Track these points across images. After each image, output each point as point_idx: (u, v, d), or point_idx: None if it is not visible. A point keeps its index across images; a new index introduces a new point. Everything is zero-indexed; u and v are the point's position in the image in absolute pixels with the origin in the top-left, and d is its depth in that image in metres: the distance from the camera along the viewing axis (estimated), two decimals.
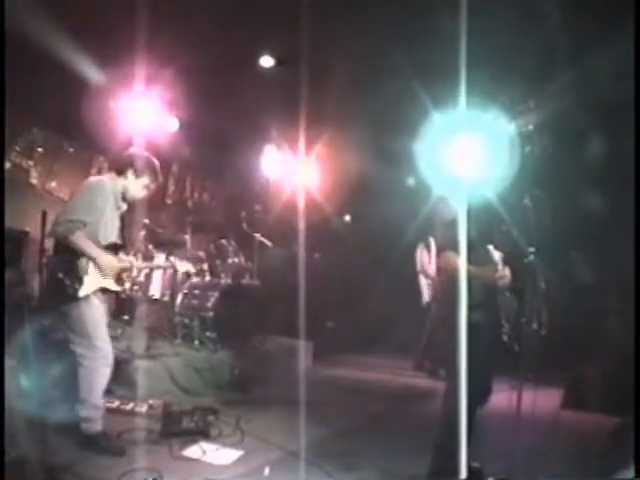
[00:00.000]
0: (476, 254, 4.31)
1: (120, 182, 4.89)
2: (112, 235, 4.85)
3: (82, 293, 4.61)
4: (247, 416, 5.81)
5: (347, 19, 7.04)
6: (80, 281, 4.60)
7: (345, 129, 9.10)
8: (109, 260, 4.75)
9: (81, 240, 4.59)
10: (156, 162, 5.06)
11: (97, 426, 4.71)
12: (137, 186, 4.94)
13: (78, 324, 4.65)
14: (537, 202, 4.40)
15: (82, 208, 4.64)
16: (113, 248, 4.84)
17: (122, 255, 4.95)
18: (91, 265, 4.64)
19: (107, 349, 4.76)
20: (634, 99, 4.95)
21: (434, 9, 6.48)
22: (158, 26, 6.32)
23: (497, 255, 4.39)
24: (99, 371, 4.71)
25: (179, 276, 8.17)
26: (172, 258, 7.44)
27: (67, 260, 4.60)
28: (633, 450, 3.78)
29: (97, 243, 4.69)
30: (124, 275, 5.01)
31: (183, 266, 5.69)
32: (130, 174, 4.89)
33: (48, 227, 6.03)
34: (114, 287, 4.89)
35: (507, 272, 4.38)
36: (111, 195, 4.81)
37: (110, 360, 4.79)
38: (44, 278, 4.78)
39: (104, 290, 4.81)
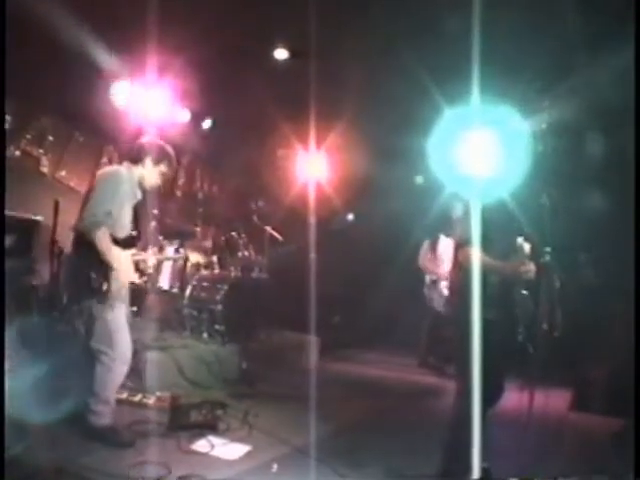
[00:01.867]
0: (499, 248, 4.27)
1: (136, 171, 4.89)
2: (128, 227, 4.82)
3: (109, 292, 4.61)
4: (255, 410, 5.81)
5: (361, 14, 6.99)
6: (106, 277, 4.58)
7: (357, 124, 9.06)
8: (128, 272, 4.76)
9: (104, 241, 4.55)
10: (171, 149, 5.06)
11: (106, 420, 4.72)
12: (154, 174, 4.95)
13: (101, 321, 4.64)
14: (554, 202, 4.37)
15: (105, 199, 4.61)
16: (130, 241, 4.83)
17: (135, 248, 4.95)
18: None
19: (128, 348, 4.78)
20: (634, 100, 4.92)
21: (448, 5, 6.44)
22: (171, 15, 6.28)
23: (527, 247, 4.33)
24: (117, 370, 4.72)
25: (188, 268, 8.17)
26: (182, 250, 7.47)
27: (94, 255, 4.55)
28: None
29: (115, 236, 4.66)
30: (141, 266, 5.02)
31: (194, 256, 5.69)
32: (148, 162, 4.90)
33: (60, 216, 6.03)
34: (137, 280, 4.92)
35: (532, 267, 4.33)
36: (128, 184, 4.79)
37: (128, 359, 4.80)
38: (68, 271, 4.73)
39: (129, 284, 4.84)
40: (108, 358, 4.64)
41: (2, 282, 4.17)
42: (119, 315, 4.74)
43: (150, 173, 4.93)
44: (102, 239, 4.53)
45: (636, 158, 5.22)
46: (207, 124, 9.27)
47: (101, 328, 4.64)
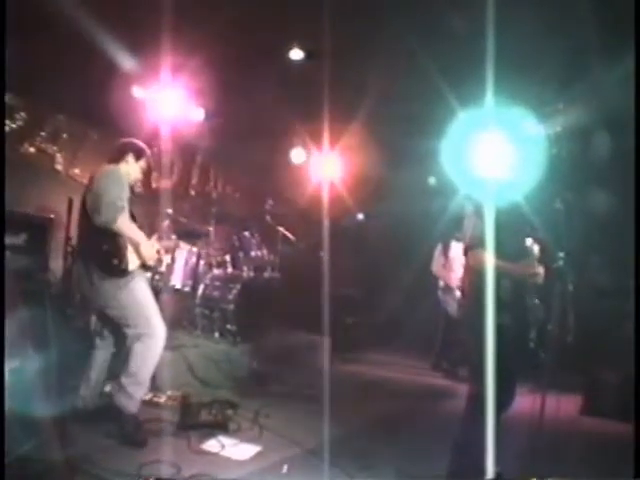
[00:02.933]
0: (510, 250, 4.26)
1: (123, 167, 5.05)
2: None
3: (131, 267, 4.78)
4: (265, 411, 5.80)
5: (376, 15, 6.99)
6: (125, 257, 4.75)
7: (371, 125, 9.05)
8: (150, 246, 4.97)
9: (126, 225, 4.76)
10: (144, 146, 5.24)
11: (133, 407, 4.79)
12: (136, 169, 5.17)
13: (132, 302, 4.81)
14: (568, 206, 4.34)
15: (115, 190, 4.75)
16: None
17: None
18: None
19: (161, 324, 4.94)
20: (634, 101, 4.90)
21: (463, 6, 6.43)
22: (187, 15, 6.30)
23: (536, 249, 4.32)
24: (155, 349, 4.86)
25: (200, 267, 8.18)
26: (194, 249, 7.48)
27: (108, 240, 4.72)
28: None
29: None
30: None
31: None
32: (130, 158, 5.10)
33: (74, 213, 6.04)
34: (150, 262, 5.07)
35: (541, 270, 4.32)
36: (125, 177, 4.96)
37: (164, 334, 4.94)
38: (87, 261, 4.82)
39: (144, 267, 5.03)
40: (147, 337, 4.78)
41: (2, 282, 4.17)
42: (147, 294, 4.93)
43: (133, 168, 5.14)
44: (123, 224, 4.73)
45: (636, 161, 5.20)
46: (221, 123, 9.27)
47: (133, 307, 4.81)
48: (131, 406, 4.76)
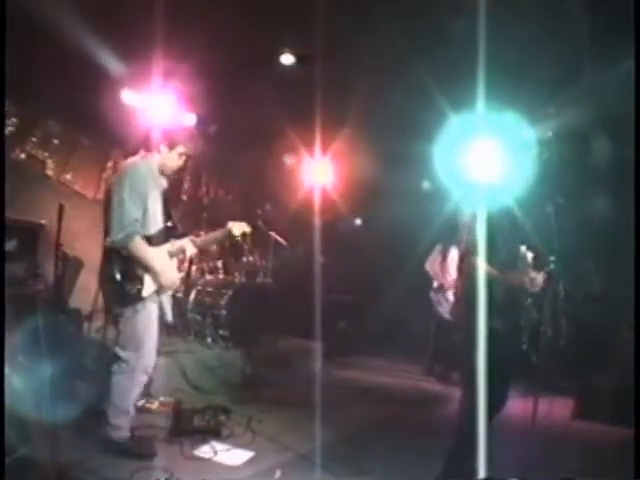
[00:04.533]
0: (505, 258, 4.27)
1: (154, 159, 4.73)
2: (160, 218, 4.70)
3: (145, 293, 4.54)
4: (258, 416, 5.80)
5: (368, 20, 7.00)
6: (142, 282, 4.52)
7: (363, 130, 9.06)
8: (172, 275, 4.71)
9: (142, 249, 4.47)
10: (185, 129, 4.96)
11: (126, 432, 4.63)
12: (173, 157, 4.77)
13: (129, 328, 4.55)
14: (559, 209, 4.35)
15: (130, 206, 4.44)
16: (165, 233, 4.74)
17: (174, 240, 4.86)
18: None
19: (152, 358, 4.70)
20: (634, 103, 4.91)
21: (455, 12, 6.44)
22: (178, 20, 6.29)
23: (530, 256, 4.32)
24: (137, 378, 4.63)
25: (193, 273, 8.17)
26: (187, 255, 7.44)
27: (126, 262, 4.47)
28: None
29: (147, 231, 4.56)
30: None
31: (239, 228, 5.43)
32: (162, 148, 4.74)
33: (65, 220, 6.01)
34: (178, 279, 4.89)
35: (539, 277, 4.31)
36: (148, 175, 4.64)
37: (150, 369, 4.73)
38: (102, 279, 4.64)
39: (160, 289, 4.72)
40: (128, 366, 4.54)
41: (2, 282, 4.16)
42: (150, 322, 4.65)
43: (169, 157, 4.77)
44: (139, 248, 4.45)
45: (636, 163, 5.21)
46: (213, 129, 9.26)
47: (129, 334, 4.55)
48: (122, 433, 4.59)
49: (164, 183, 4.82)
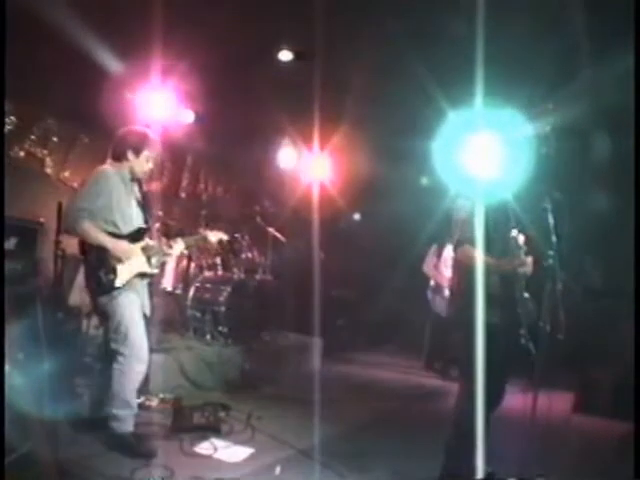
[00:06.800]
0: (497, 247, 4.29)
1: (123, 165, 4.85)
2: (134, 220, 4.84)
3: (118, 283, 4.62)
4: (258, 412, 5.79)
5: (365, 17, 7.00)
6: (114, 271, 4.62)
7: (361, 126, 9.05)
8: (125, 247, 4.72)
9: (91, 230, 4.59)
10: (147, 131, 5.04)
11: (128, 426, 4.66)
12: (141, 162, 4.88)
13: (114, 318, 4.63)
14: (557, 205, 4.36)
15: (86, 196, 4.63)
16: (137, 233, 4.83)
17: (148, 240, 4.93)
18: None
19: (142, 346, 4.71)
20: (634, 102, 4.91)
21: (453, 9, 6.44)
22: (176, 17, 6.29)
23: (521, 240, 4.33)
24: (133, 369, 4.66)
25: (192, 269, 8.17)
26: (185, 251, 7.44)
27: (97, 252, 4.60)
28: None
29: (118, 231, 4.70)
30: (154, 259, 4.94)
31: (214, 235, 5.54)
32: (130, 154, 4.83)
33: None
34: (149, 269, 4.90)
35: (529, 260, 4.34)
36: (117, 180, 4.76)
37: (145, 357, 4.75)
38: (81, 271, 4.78)
39: (142, 275, 4.84)
40: (123, 357, 4.60)
41: (2, 282, 4.16)
42: (133, 310, 4.71)
43: (137, 163, 4.87)
44: (87, 230, 4.57)
45: (636, 161, 5.21)
46: (211, 125, 9.25)
47: (115, 323, 4.63)
48: (124, 426, 4.63)
49: (136, 189, 4.99)
